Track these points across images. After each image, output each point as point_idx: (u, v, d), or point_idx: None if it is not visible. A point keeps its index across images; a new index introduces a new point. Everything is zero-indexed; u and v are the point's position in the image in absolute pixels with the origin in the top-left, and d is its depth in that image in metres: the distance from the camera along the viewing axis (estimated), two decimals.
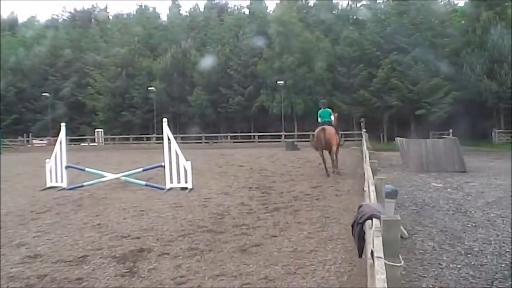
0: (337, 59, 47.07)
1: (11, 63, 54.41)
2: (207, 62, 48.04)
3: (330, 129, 14.90)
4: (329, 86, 46.31)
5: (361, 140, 26.24)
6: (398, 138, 23.77)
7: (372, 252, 3.14)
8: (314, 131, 16.61)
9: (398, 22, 43.80)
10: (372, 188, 5.52)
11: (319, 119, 15.89)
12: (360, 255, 4.49)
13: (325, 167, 15.01)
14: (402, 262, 2.92)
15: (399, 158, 22.23)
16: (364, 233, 4.05)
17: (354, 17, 52.91)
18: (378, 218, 3.43)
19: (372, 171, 7.34)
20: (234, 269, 5.74)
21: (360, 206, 4.37)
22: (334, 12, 54.04)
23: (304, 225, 7.96)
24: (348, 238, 6.66)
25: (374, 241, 3.07)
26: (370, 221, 3.80)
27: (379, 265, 2.70)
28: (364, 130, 27.34)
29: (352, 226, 4.35)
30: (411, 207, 10.39)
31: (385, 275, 2.56)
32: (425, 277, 5.81)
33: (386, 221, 2.95)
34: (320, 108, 16.26)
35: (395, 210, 8.19)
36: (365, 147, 16.20)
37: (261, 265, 5.86)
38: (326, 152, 15.14)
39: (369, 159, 8.92)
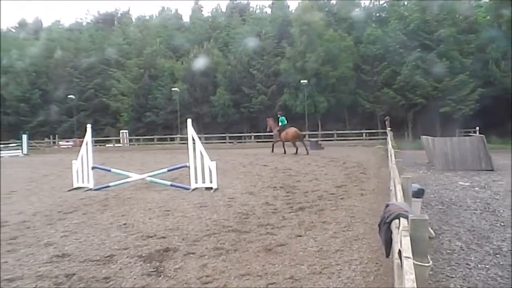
0: (360, 57, 46.65)
1: (36, 65, 55.39)
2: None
3: (299, 130, 25.24)
4: (352, 85, 45.86)
5: (385, 138, 26.02)
6: (423, 136, 23.47)
7: (399, 252, 3.10)
8: (299, 130, 25.96)
9: (421, 19, 43.21)
10: (399, 187, 5.46)
11: (280, 123, 25.38)
12: (388, 255, 4.45)
13: (285, 150, 24.56)
14: (431, 262, 2.89)
15: (424, 156, 21.97)
16: (391, 232, 4.01)
17: (377, 14, 52.41)
18: (406, 217, 3.39)
19: (397, 170, 7.26)
20: (259, 269, 5.74)
21: (387, 205, 4.32)
22: (356, 10, 53.56)
23: (329, 225, 7.92)
24: (374, 237, 6.62)
25: (402, 241, 3.03)
26: (397, 220, 3.76)
27: (408, 265, 2.67)
28: (389, 128, 27.04)
29: (379, 225, 4.31)
30: (437, 206, 10.27)
31: (414, 275, 2.53)
32: (452, 277, 5.73)
33: (414, 220, 2.92)
34: (280, 116, 26.01)
35: (421, 209, 8.11)
36: (390, 146, 16.11)
37: (286, 265, 5.85)
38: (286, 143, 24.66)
39: (395, 157, 8.83)
